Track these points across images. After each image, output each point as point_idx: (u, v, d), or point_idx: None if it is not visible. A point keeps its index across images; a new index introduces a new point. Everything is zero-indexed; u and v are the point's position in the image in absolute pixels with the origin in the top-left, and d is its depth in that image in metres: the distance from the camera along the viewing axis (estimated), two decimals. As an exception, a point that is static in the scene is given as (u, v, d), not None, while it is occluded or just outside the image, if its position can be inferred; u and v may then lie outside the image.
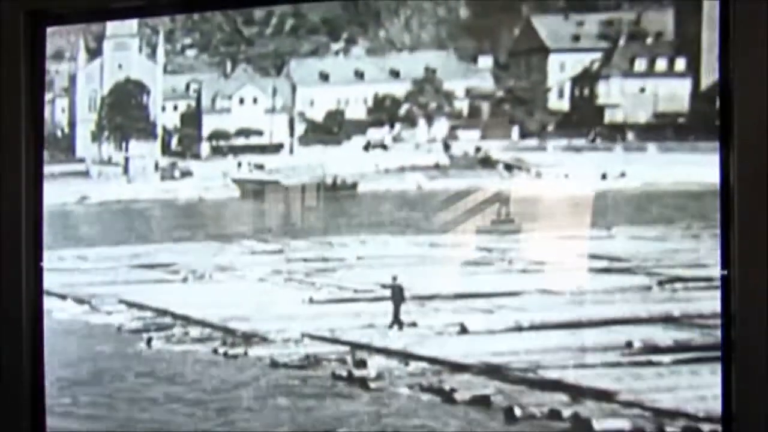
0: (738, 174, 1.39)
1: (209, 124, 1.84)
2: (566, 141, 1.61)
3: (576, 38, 1.63)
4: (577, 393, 1.58)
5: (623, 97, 1.59)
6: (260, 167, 1.80)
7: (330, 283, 1.76)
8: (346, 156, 1.74)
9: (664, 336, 1.57)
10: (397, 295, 1.70)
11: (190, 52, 1.84)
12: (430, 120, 1.69)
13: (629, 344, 1.58)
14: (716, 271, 1.51)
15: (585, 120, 1.61)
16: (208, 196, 1.83)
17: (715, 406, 1.50)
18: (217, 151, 1.83)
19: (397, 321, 1.69)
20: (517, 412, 1.60)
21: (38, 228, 1.78)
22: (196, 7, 1.80)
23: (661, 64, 1.59)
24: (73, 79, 1.88)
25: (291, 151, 1.78)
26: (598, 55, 1.61)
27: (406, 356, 1.68)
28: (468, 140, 1.67)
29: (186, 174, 1.84)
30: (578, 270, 1.62)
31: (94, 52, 1.88)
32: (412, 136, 1.71)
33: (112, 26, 1.87)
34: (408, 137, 1.71)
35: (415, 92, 1.70)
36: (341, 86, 1.76)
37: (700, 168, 1.53)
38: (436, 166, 1.69)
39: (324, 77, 1.78)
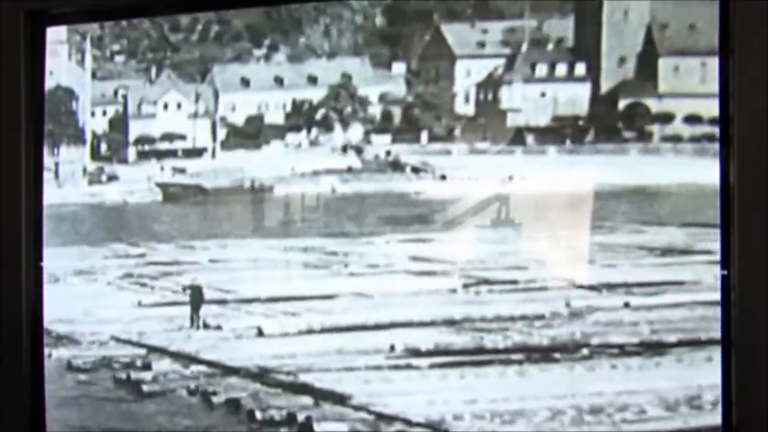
0: (738, 174, 1.37)
1: (135, 129, 1.87)
2: (470, 145, 1.64)
3: (481, 45, 1.66)
4: (320, 396, 1.61)
5: (524, 102, 1.62)
6: (181, 171, 1.83)
7: (167, 286, 1.79)
8: (265, 160, 1.77)
9: (427, 339, 1.59)
10: (196, 297, 1.74)
11: (119, 58, 1.87)
12: (345, 125, 1.73)
13: (392, 348, 1.60)
14: (526, 275, 1.55)
15: (488, 124, 1.64)
16: (133, 200, 1.86)
17: (439, 411, 1.54)
18: (142, 156, 1.86)
19: (195, 322, 1.73)
20: (258, 415, 1.63)
21: (38, 228, 1.77)
22: (195, 6, 1.81)
23: (561, 70, 1.62)
24: (8, 85, 1.91)
25: (213, 155, 1.81)
26: (501, 62, 1.65)
27: (188, 359, 1.71)
28: (380, 144, 1.70)
29: (113, 178, 1.87)
30: (401, 273, 1.65)
31: (28, 59, 1.91)
32: (328, 140, 1.74)
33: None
34: (324, 141, 1.74)
35: (331, 98, 1.74)
36: (262, 92, 1.79)
37: (598, 170, 1.57)
38: (349, 170, 1.72)
39: (245, 83, 1.81)
